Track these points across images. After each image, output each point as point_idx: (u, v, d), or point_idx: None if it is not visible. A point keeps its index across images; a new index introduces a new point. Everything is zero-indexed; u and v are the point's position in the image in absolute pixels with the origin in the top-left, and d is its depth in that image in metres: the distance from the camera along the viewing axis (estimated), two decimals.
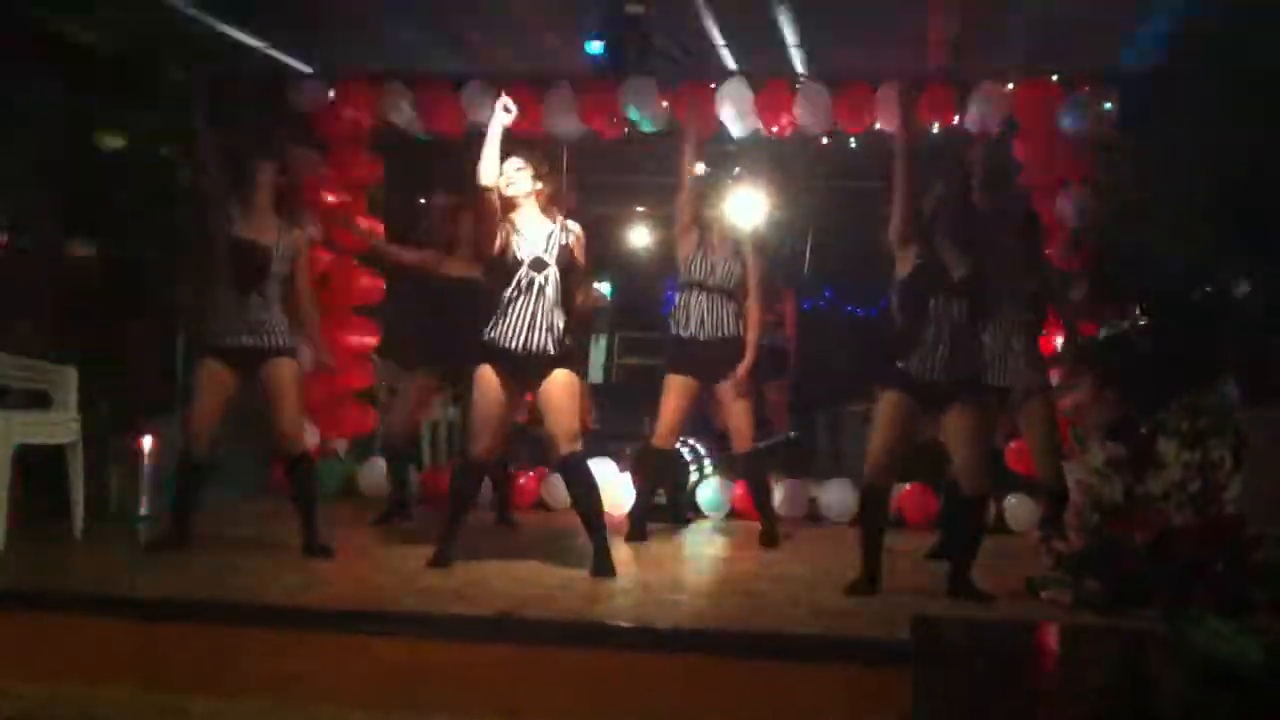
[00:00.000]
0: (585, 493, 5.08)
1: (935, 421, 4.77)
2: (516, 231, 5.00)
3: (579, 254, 5.10)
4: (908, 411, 4.66)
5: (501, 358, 4.96)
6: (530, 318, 4.94)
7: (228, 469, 7.26)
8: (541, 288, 4.96)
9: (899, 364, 4.66)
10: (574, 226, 5.11)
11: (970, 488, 4.70)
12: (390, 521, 6.35)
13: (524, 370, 4.98)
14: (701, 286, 6.00)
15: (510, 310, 4.96)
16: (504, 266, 5.01)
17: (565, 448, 5.00)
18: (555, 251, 5.00)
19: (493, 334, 4.98)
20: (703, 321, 5.98)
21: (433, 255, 6.41)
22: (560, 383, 4.98)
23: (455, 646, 4.03)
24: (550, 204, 5.08)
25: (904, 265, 4.72)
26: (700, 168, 8.03)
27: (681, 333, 6.01)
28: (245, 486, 7.33)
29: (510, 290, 4.98)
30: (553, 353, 4.95)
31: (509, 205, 5.00)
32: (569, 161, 7.84)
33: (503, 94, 5.02)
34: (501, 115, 4.93)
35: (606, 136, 7.46)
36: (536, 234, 5.01)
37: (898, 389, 4.66)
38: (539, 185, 5.04)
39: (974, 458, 4.65)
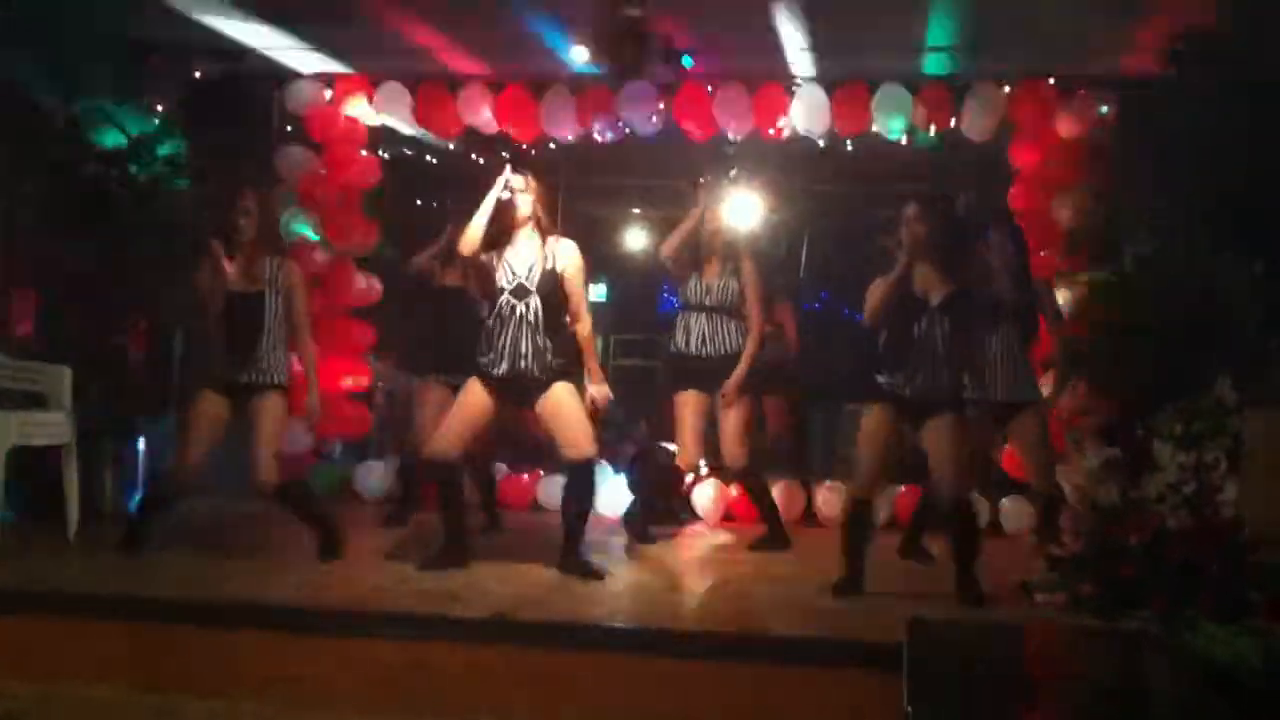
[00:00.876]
0: (579, 498, 5.07)
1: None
2: (501, 257, 4.98)
3: (571, 277, 4.99)
4: (893, 424, 4.77)
5: (493, 380, 4.96)
6: (513, 345, 4.90)
7: (227, 471, 7.27)
8: (523, 315, 4.92)
9: (880, 379, 4.75)
10: (567, 250, 5.00)
11: (951, 496, 4.74)
12: (398, 524, 6.35)
13: (516, 393, 4.99)
14: (700, 308, 5.99)
15: (494, 338, 4.94)
16: (487, 292, 5.01)
17: (574, 454, 4.98)
18: (538, 278, 4.94)
19: (483, 361, 4.97)
20: (704, 340, 5.97)
21: (432, 263, 6.41)
22: (560, 395, 4.96)
23: (450, 648, 4.04)
24: (542, 225, 5.02)
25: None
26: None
27: (684, 350, 6.01)
28: (243, 488, 7.32)
29: (492, 319, 4.97)
30: (540, 377, 4.93)
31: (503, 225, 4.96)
32: (564, 164, 7.85)
33: (508, 172, 4.96)
34: (500, 191, 4.90)
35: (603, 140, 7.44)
36: (521, 260, 4.96)
37: (882, 403, 4.76)
38: (535, 208, 4.99)
39: (952, 467, 4.71)
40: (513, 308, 4.93)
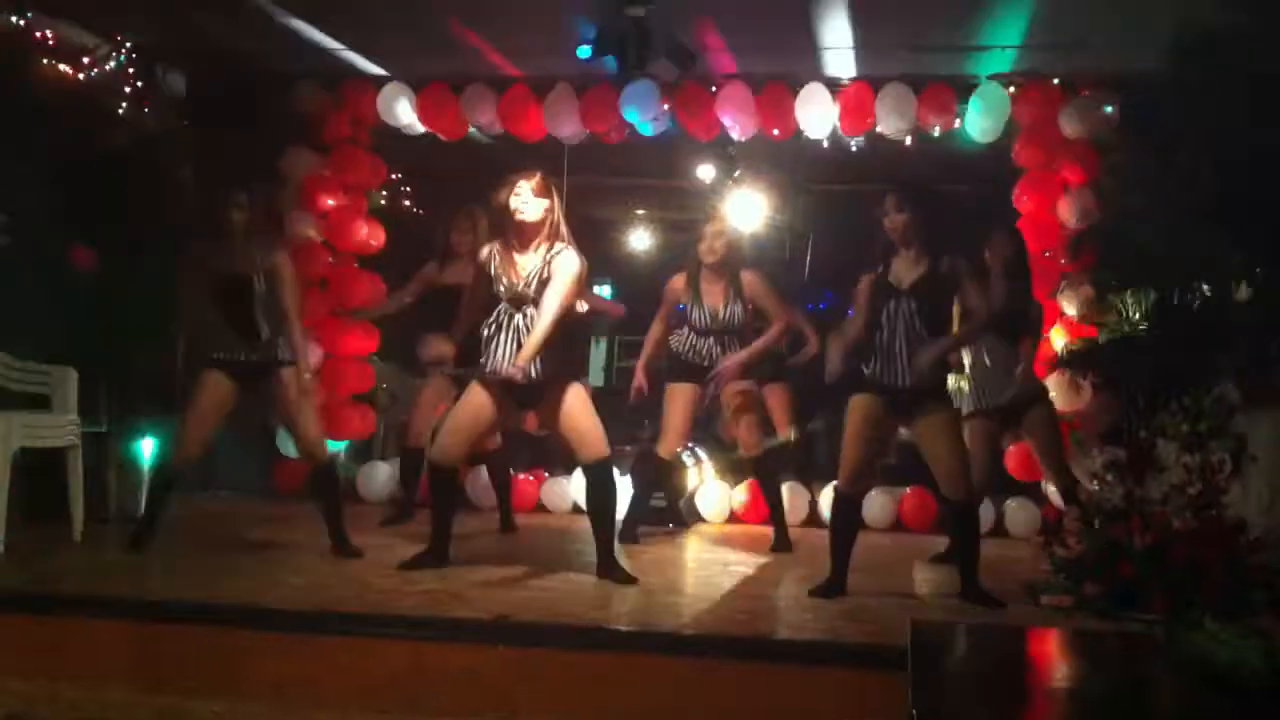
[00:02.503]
0: (601, 498, 5.05)
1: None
2: (500, 262, 4.91)
3: (568, 283, 4.85)
4: (876, 415, 4.68)
5: (495, 384, 4.92)
6: (512, 353, 4.81)
7: (230, 471, 7.30)
8: (520, 324, 4.84)
9: (864, 369, 4.69)
10: (561, 262, 4.84)
11: (955, 495, 4.70)
12: (398, 524, 6.36)
13: (516, 397, 4.96)
14: (705, 332, 5.97)
15: (492, 345, 4.87)
16: (485, 297, 4.94)
17: (589, 454, 4.96)
18: (536, 285, 4.84)
19: (484, 365, 4.92)
20: (709, 354, 5.97)
21: (430, 269, 6.41)
22: (570, 399, 4.92)
23: (455, 649, 4.03)
24: (547, 233, 4.90)
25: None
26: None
27: (685, 354, 6.01)
28: (247, 488, 7.34)
29: (490, 325, 4.90)
30: (539, 380, 4.88)
31: (513, 228, 4.88)
32: (568, 164, 7.84)
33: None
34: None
35: (607, 140, 7.44)
36: (523, 267, 4.87)
37: (865, 393, 4.68)
38: (551, 215, 4.88)
39: (953, 465, 4.65)
40: (510, 315, 4.88)
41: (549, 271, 4.85)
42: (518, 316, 4.85)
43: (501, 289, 4.88)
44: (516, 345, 4.81)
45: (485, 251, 5.00)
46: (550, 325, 4.77)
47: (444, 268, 6.32)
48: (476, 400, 4.96)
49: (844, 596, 4.71)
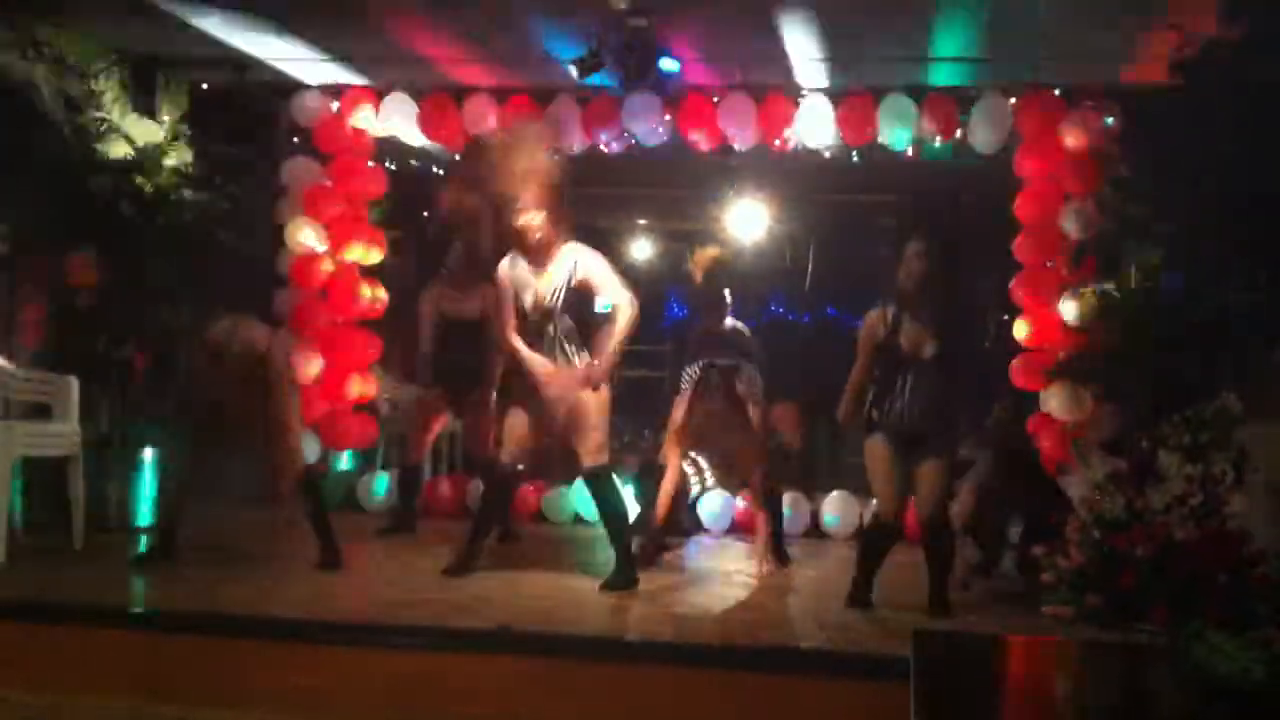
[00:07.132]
0: (607, 505, 5.06)
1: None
2: (519, 282, 4.96)
3: (594, 280, 4.93)
4: (893, 451, 4.76)
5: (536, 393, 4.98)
6: (562, 363, 4.92)
7: (229, 480, 7.28)
8: (553, 337, 4.92)
9: (874, 413, 4.77)
10: (583, 261, 4.93)
11: (930, 519, 4.74)
12: (397, 533, 6.37)
13: (556, 403, 4.98)
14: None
15: (534, 361, 4.94)
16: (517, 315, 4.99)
17: (589, 461, 5.00)
18: (561, 298, 4.91)
19: (526, 383, 4.98)
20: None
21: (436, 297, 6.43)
22: (587, 402, 4.96)
23: (458, 659, 4.04)
24: (555, 239, 4.93)
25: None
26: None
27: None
28: (247, 498, 7.32)
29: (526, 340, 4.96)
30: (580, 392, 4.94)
31: (525, 247, 4.93)
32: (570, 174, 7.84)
33: None
34: None
35: (609, 150, 7.44)
36: (542, 282, 4.93)
37: (877, 434, 4.77)
38: (548, 224, 4.91)
39: (935, 496, 4.73)
40: (540, 331, 4.93)
41: (573, 278, 4.90)
42: (548, 329, 4.91)
43: (528, 306, 4.92)
44: (554, 358, 4.90)
45: (503, 275, 5.02)
46: (627, 301, 4.89)
47: (463, 292, 6.30)
48: (521, 417, 5.02)
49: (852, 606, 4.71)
